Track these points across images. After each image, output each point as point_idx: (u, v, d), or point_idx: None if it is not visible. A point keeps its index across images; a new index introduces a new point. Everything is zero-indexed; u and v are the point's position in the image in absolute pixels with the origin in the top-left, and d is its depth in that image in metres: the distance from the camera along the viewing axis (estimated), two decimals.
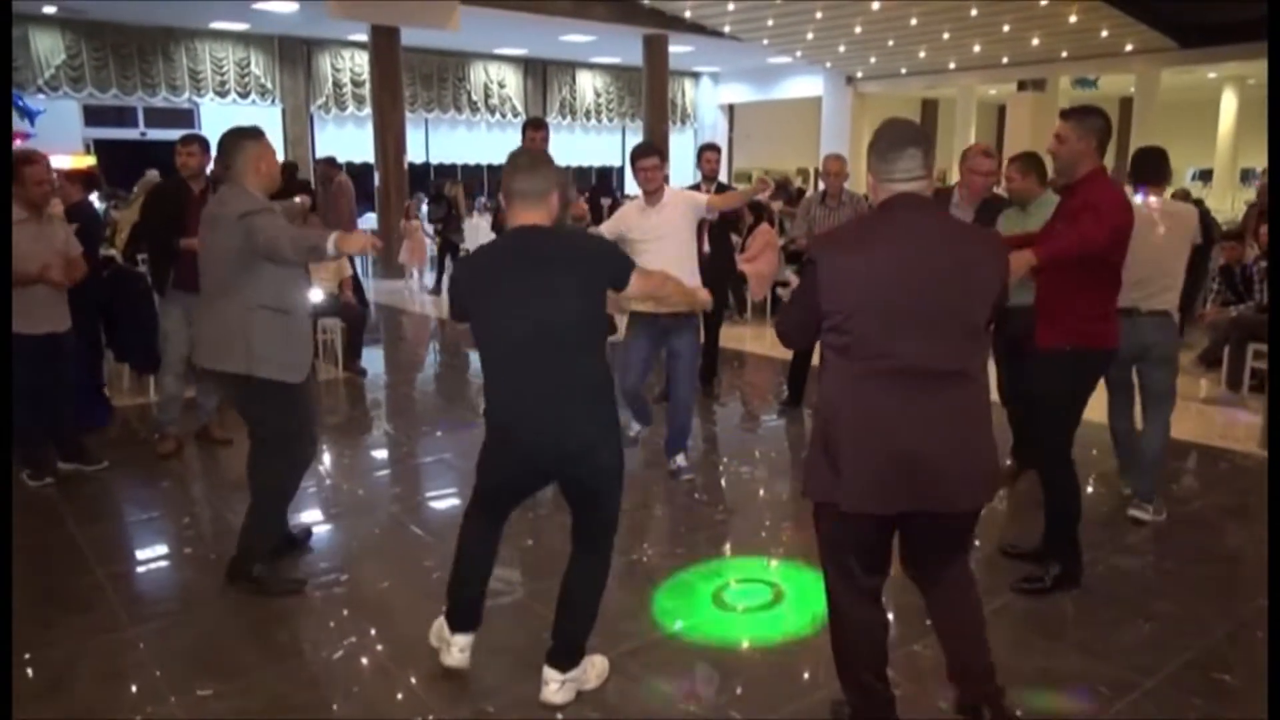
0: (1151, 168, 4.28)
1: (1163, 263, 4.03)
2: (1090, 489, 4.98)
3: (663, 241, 4.52)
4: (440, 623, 3.00)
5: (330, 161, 11.52)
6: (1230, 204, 14.96)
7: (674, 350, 4.75)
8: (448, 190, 12.35)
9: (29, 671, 2.99)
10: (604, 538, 2.84)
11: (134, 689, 2.92)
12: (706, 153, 6.96)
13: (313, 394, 3.84)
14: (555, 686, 2.78)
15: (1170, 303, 4.10)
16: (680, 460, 4.86)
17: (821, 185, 6.17)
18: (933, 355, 2.19)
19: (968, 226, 2.37)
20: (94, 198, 7.79)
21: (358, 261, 9.22)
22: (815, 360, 6.22)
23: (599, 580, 2.83)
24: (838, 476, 2.23)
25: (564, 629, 2.81)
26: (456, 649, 2.93)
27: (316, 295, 7.21)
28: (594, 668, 2.92)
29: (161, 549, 4.08)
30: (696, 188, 7.30)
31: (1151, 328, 4.03)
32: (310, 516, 4.36)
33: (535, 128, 5.78)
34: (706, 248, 5.87)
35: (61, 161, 9.66)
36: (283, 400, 3.47)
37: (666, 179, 5.04)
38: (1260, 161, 16.44)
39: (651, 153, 4.68)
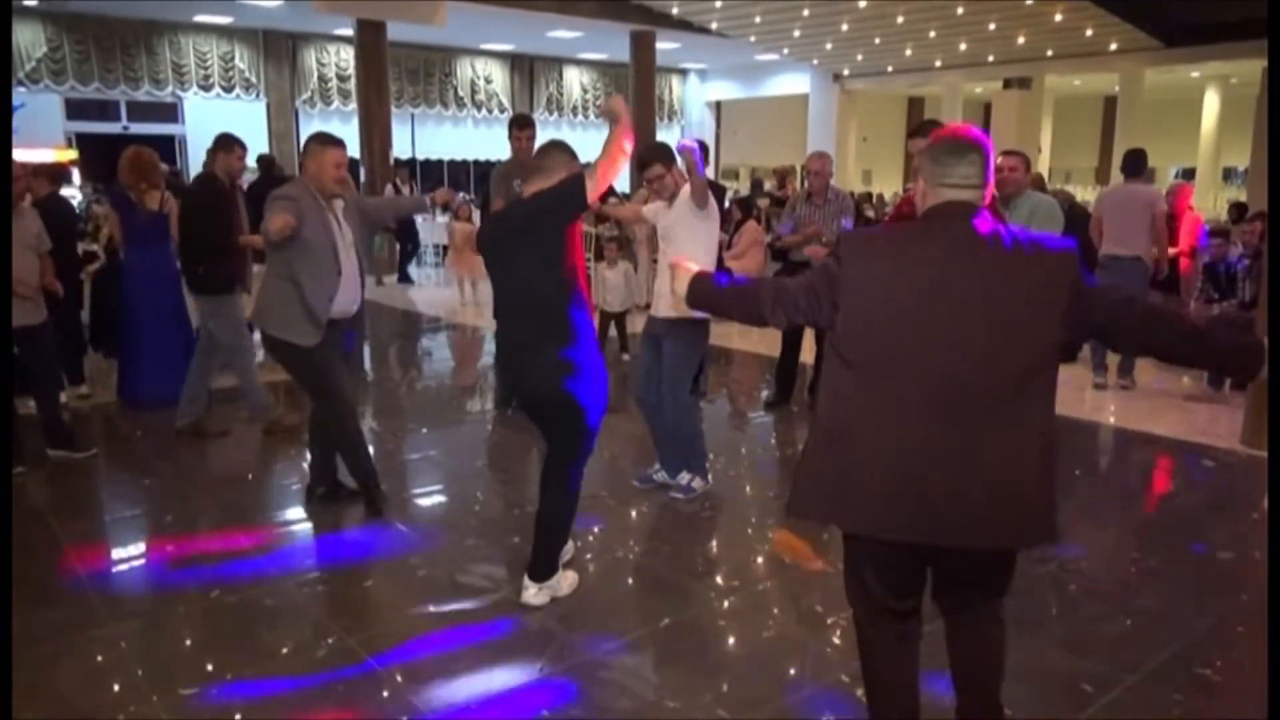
0: (1132, 163, 6.83)
1: (1128, 225, 6.66)
2: (1069, 485, 5.01)
3: (676, 230, 4.53)
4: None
5: None
6: (1213, 202, 15.08)
7: (664, 354, 4.44)
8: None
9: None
10: (557, 472, 3.38)
11: (116, 688, 2.90)
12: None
13: (338, 366, 4.17)
14: (533, 591, 3.38)
15: (1138, 250, 6.66)
16: (682, 478, 4.53)
17: (807, 184, 6.17)
18: (970, 378, 1.96)
19: (1031, 237, 2.05)
20: (71, 192, 7.72)
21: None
22: (804, 356, 6.25)
23: (559, 512, 3.41)
24: (846, 496, 2.05)
25: (536, 549, 3.40)
26: (528, 593, 3.42)
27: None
28: (566, 579, 3.50)
29: (144, 546, 4.04)
30: None
31: (1127, 265, 6.64)
32: (294, 513, 4.34)
33: (521, 126, 5.71)
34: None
35: (44, 155, 9.56)
36: (302, 361, 4.04)
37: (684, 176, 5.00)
38: (1241, 160, 16.58)
39: (651, 162, 4.32)
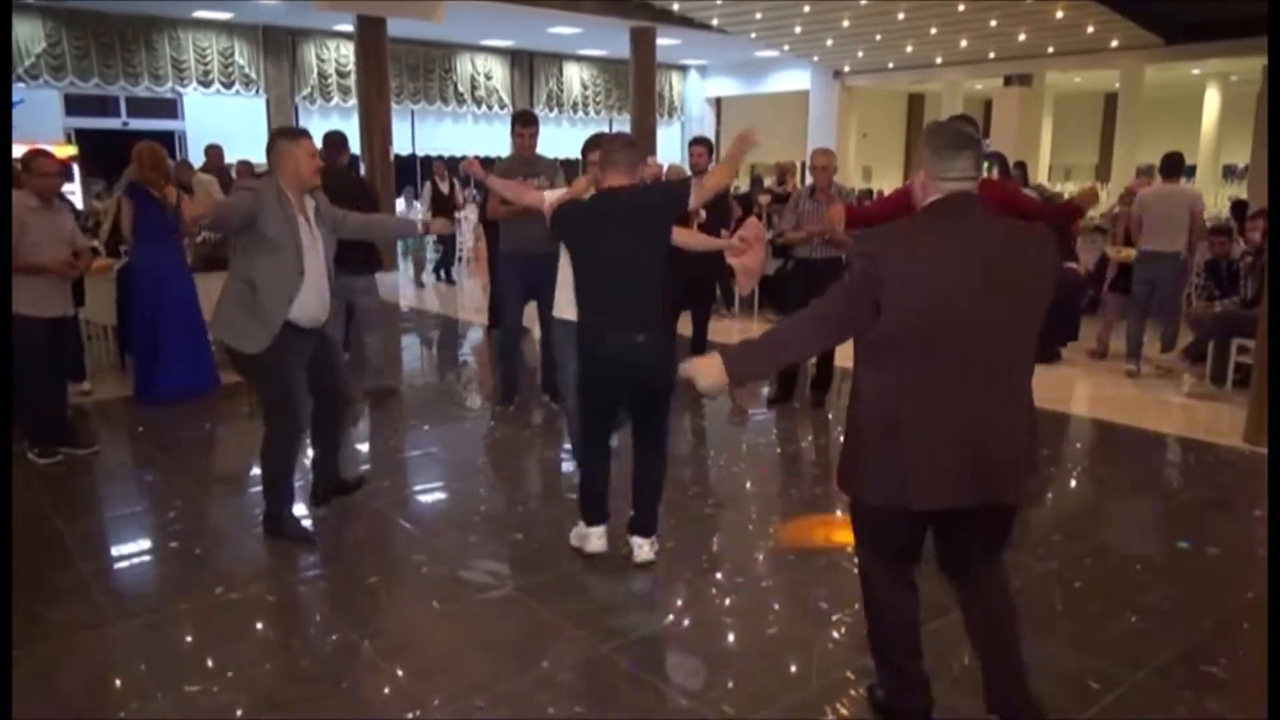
0: (1171, 166, 7.15)
1: (1171, 223, 6.92)
2: (1074, 482, 5.01)
3: None
4: (579, 527, 3.79)
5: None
6: (1213, 199, 15.06)
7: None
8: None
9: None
10: (660, 440, 3.71)
11: (119, 684, 2.90)
12: (695, 147, 6.93)
13: (298, 382, 3.87)
14: (646, 549, 3.68)
15: (1178, 247, 6.94)
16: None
17: (809, 180, 6.16)
18: (993, 350, 2.21)
19: (1017, 224, 2.43)
20: (72, 188, 7.73)
21: None
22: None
23: (660, 473, 3.73)
24: (907, 480, 2.23)
25: (642, 508, 3.71)
26: (595, 539, 3.73)
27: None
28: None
29: (146, 543, 4.03)
30: None
31: (1167, 261, 6.95)
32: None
33: (525, 123, 5.68)
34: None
35: None
36: (254, 369, 3.81)
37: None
38: (1242, 158, 16.57)
39: (596, 146, 3.97)
